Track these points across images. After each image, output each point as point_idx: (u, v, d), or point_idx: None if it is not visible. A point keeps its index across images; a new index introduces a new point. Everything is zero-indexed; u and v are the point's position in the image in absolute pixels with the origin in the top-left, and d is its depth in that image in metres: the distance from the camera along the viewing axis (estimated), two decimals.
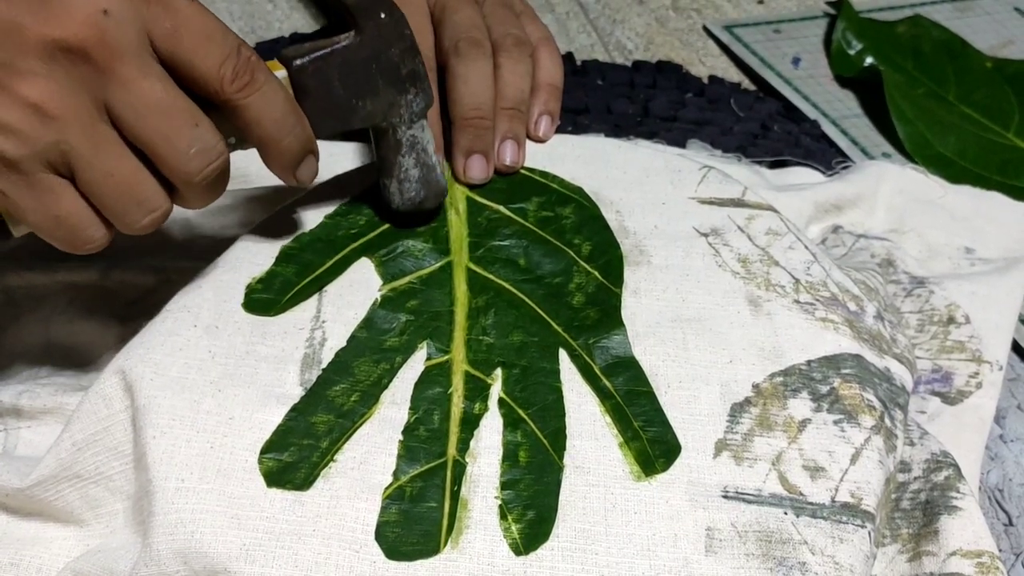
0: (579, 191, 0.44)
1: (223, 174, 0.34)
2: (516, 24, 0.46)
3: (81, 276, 0.43)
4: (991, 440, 0.44)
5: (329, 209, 0.42)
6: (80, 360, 0.41)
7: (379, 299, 0.39)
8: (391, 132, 0.39)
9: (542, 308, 0.39)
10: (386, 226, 0.41)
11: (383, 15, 0.36)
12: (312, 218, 0.41)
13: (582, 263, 0.41)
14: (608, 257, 0.41)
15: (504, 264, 0.40)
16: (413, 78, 0.38)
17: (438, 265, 0.40)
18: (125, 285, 0.43)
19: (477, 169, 0.43)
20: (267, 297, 0.38)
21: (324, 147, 0.49)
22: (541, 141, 0.45)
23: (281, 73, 0.36)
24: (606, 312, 0.39)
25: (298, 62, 0.36)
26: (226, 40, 0.33)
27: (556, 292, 0.40)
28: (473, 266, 0.40)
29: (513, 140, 0.44)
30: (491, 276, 0.40)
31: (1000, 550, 0.40)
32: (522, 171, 0.44)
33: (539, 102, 0.46)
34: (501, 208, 0.43)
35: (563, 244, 0.41)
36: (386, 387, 0.36)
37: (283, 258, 0.39)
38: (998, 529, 0.41)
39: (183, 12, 0.32)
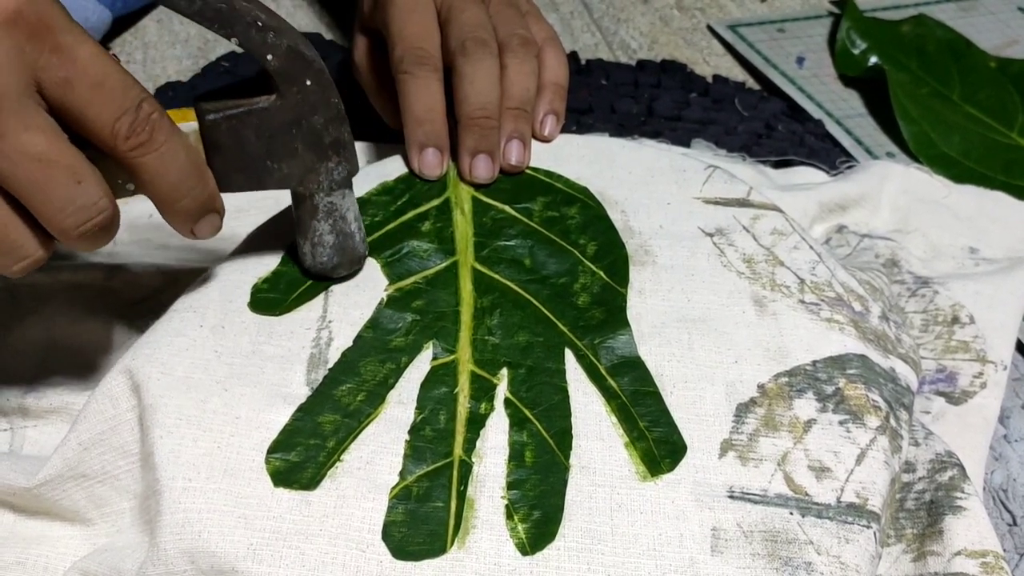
0: (584, 191, 0.44)
1: (108, 227, 0.33)
2: (522, 24, 0.46)
3: (86, 276, 0.43)
4: (995, 440, 0.44)
5: None
6: (85, 360, 0.42)
7: (385, 299, 0.39)
8: (309, 197, 0.37)
9: (547, 308, 0.39)
10: (391, 226, 0.41)
11: (308, 82, 0.35)
12: None
13: (587, 263, 0.41)
14: (613, 257, 0.41)
15: (509, 264, 0.41)
16: (337, 146, 0.36)
17: (443, 265, 0.40)
18: (130, 285, 0.43)
19: (483, 169, 0.43)
20: (273, 297, 0.38)
21: None
22: (546, 141, 0.46)
23: (193, 124, 0.35)
24: (611, 312, 0.39)
25: (211, 117, 0.34)
26: (125, 93, 0.31)
27: (561, 292, 0.40)
28: (479, 266, 0.40)
29: (519, 140, 0.44)
30: (496, 276, 0.40)
31: (1004, 550, 0.40)
32: (527, 171, 0.44)
33: (544, 102, 0.46)
34: (506, 208, 0.43)
35: (568, 244, 0.41)
36: (392, 387, 0.36)
37: (288, 258, 0.39)
38: (1002, 529, 0.41)
39: (80, 61, 0.30)
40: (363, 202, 0.42)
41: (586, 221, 0.42)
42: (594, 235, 0.42)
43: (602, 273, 0.41)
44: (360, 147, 0.50)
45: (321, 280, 0.39)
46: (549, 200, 0.43)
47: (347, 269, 0.39)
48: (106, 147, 0.31)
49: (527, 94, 0.45)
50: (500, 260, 0.41)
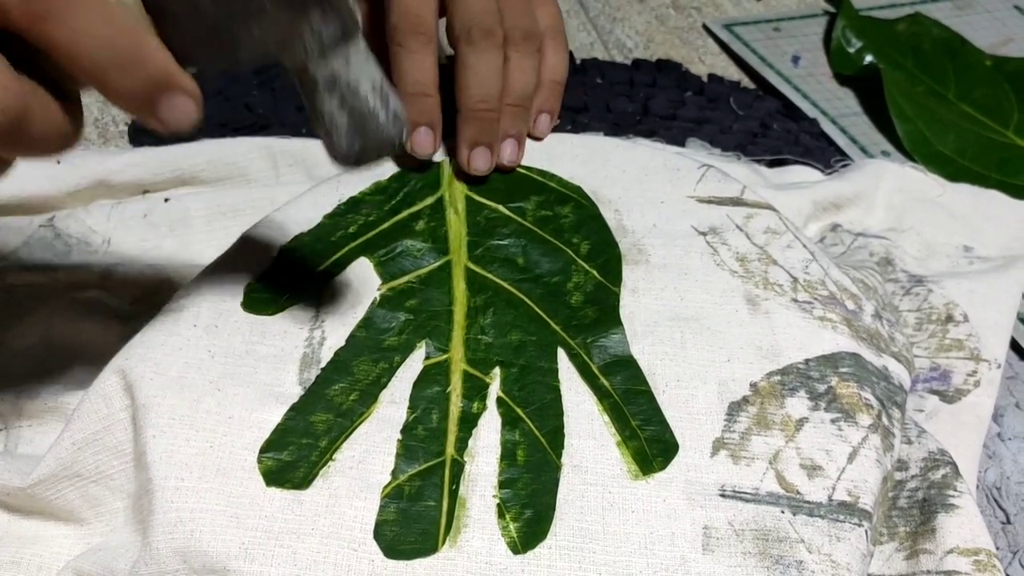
0: (578, 190, 0.44)
1: (22, 122, 0.27)
2: (528, 13, 0.45)
3: (82, 275, 0.43)
4: (989, 438, 0.44)
5: (328, 209, 0.42)
6: (81, 359, 0.42)
7: (378, 298, 0.39)
8: (302, 70, 0.31)
9: (540, 307, 0.39)
10: (385, 226, 0.41)
11: None
12: (311, 218, 0.41)
13: (580, 262, 0.41)
14: (606, 256, 0.41)
15: (503, 263, 0.41)
16: None
17: (437, 264, 0.40)
18: (126, 284, 0.43)
19: (481, 161, 0.43)
20: (266, 296, 0.38)
21: (320, 145, 0.49)
22: (539, 139, 0.46)
23: None
24: (604, 311, 0.39)
25: None
26: None
27: (554, 291, 0.40)
28: (472, 265, 0.40)
29: (514, 139, 0.44)
30: (490, 275, 0.40)
31: (997, 548, 0.40)
32: (521, 170, 0.44)
33: (540, 99, 0.46)
34: (500, 207, 0.43)
35: (562, 243, 0.41)
36: (385, 386, 0.36)
37: (282, 257, 0.40)
38: (996, 527, 0.41)
39: None
40: (356, 201, 0.42)
41: (579, 220, 0.42)
42: (587, 234, 0.42)
43: (595, 272, 0.41)
44: None
45: (353, 167, 0.34)
46: (542, 199, 0.43)
47: (376, 155, 0.33)
48: (5, 27, 0.26)
49: (527, 90, 0.44)
50: (493, 259, 0.41)
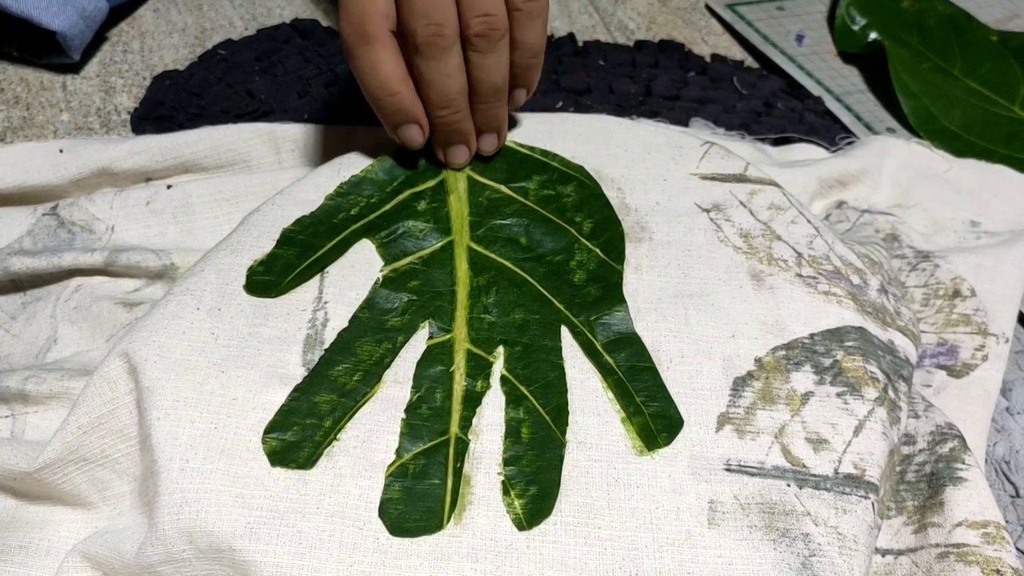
0: (580, 169, 0.43)
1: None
2: None
3: (86, 262, 0.43)
4: (997, 412, 0.44)
5: (330, 190, 0.42)
6: (86, 345, 0.42)
7: (381, 279, 0.39)
8: None
9: (543, 286, 0.39)
10: (387, 207, 0.41)
11: None
12: (313, 200, 0.41)
13: (583, 241, 0.41)
14: (609, 234, 0.41)
15: (505, 243, 0.40)
16: None
17: (439, 245, 0.40)
18: (130, 271, 0.43)
19: (459, 156, 0.42)
20: (268, 279, 0.38)
21: (323, 130, 0.49)
22: (515, 109, 0.44)
23: None
24: (607, 289, 0.39)
25: None
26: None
27: (557, 270, 0.40)
28: (474, 245, 0.40)
29: (492, 132, 0.43)
30: (492, 255, 0.40)
31: (1007, 521, 0.40)
32: (523, 150, 0.44)
33: (513, 78, 0.43)
34: (502, 187, 0.43)
35: (564, 222, 0.41)
36: (388, 366, 0.36)
37: (284, 240, 0.40)
38: (1005, 501, 0.41)
39: None
40: (358, 183, 0.42)
41: (582, 199, 0.42)
42: (590, 213, 0.42)
43: (598, 250, 0.40)
44: (359, 129, 0.50)
45: None
46: (545, 179, 0.43)
47: None
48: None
49: (495, 84, 0.41)
50: (496, 239, 0.41)
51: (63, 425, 0.35)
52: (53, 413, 0.39)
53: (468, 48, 0.40)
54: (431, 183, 0.42)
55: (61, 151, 0.47)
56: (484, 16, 0.39)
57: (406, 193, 0.42)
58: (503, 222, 0.41)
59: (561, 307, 0.39)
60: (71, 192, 0.47)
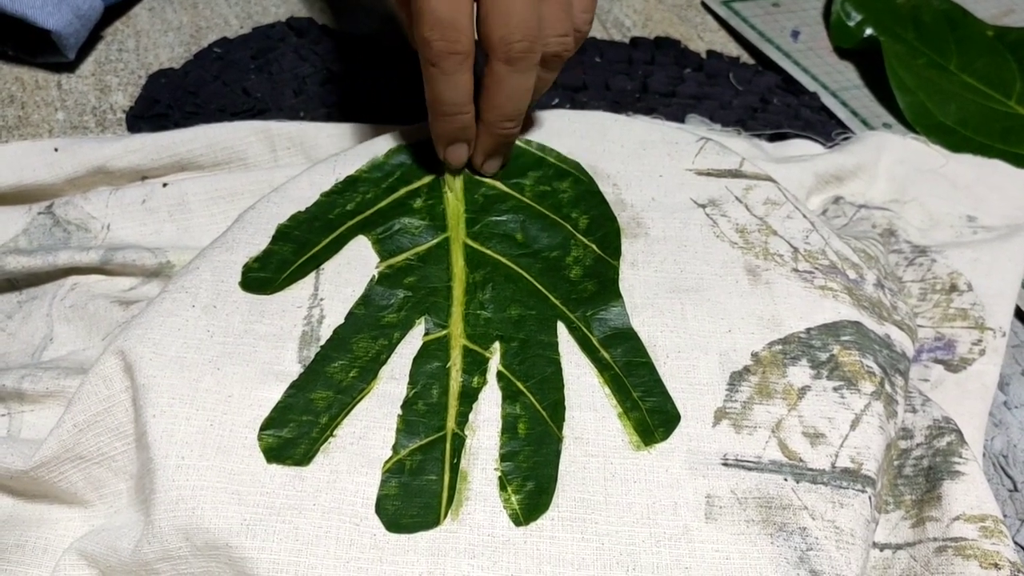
0: (576, 165, 0.43)
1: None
2: (567, 18, 0.40)
3: (82, 260, 0.43)
4: (995, 407, 0.44)
5: (325, 187, 0.42)
6: (81, 343, 0.42)
7: (376, 276, 0.39)
8: None
9: (540, 282, 0.39)
10: (383, 203, 0.41)
11: None
12: (308, 197, 0.41)
13: (579, 236, 0.41)
14: (605, 230, 0.41)
15: (501, 239, 0.40)
16: None
17: (435, 241, 0.40)
18: (126, 268, 0.43)
19: (494, 166, 0.43)
20: (264, 276, 0.38)
21: (319, 128, 0.49)
22: None
23: None
24: (604, 284, 0.39)
25: None
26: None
27: (554, 266, 0.40)
28: (470, 241, 0.40)
29: (498, 157, 0.43)
30: (488, 251, 0.40)
31: (1005, 515, 0.40)
32: (519, 144, 0.44)
33: None
34: (498, 184, 0.42)
35: (560, 218, 0.41)
36: (384, 362, 0.36)
37: (279, 237, 0.39)
38: (1003, 495, 0.41)
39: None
40: (353, 180, 0.42)
41: (578, 195, 0.42)
42: (586, 208, 0.42)
43: (594, 246, 0.40)
44: (354, 127, 0.50)
45: None
46: (540, 175, 0.43)
47: None
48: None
49: (532, 105, 0.43)
50: (492, 235, 0.41)
51: (59, 423, 0.35)
52: (49, 411, 0.39)
53: (543, 68, 0.41)
54: (427, 180, 0.42)
55: (56, 150, 0.47)
56: (563, 37, 0.40)
57: (402, 190, 0.42)
58: (499, 218, 0.41)
59: (557, 303, 0.39)
60: (66, 191, 0.47)
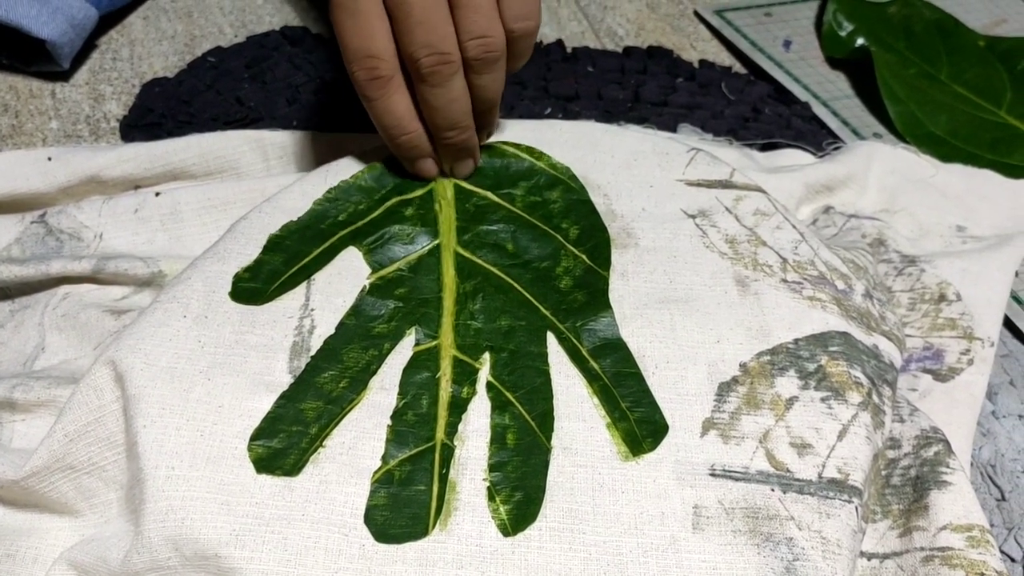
0: (566, 171, 0.44)
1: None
2: (487, 13, 0.39)
3: (74, 269, 0.43)
4: (983, 416, 0.44)
5: (318, 196, 0.42)
6: (73, 353, 0.42)
7: (367, 287, 0.39)
8: None
9: (530, 292, 0.39)
10: (375, 214, 0.41)
11: None
12: (300, 208, 0.41)
13: (569, 247, 0.41)
14: (595, 241, 0.41)
15: (492, 249, 0.41)
16: None
17: (426, 249, 0.40)
18: (118, 277, 0.43)
19: (465, 169, 0.43)
20: (254, 286, 0.38)
21: (312, 137, 0.50)
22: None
23: None
24: (593, 295, 0.39)
25: None
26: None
27: (544, 276, 0.40)
28: (461, 250, 0.40)
29: (465, 160, 0.43)
30: (479, 261, 0.40)
31: (993, 525, 0.40)
32: (509, 149, 0.44)
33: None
34: (489, 194, 0.43)
35: (550, 228, 0.42)
36: (375, 373, 0.36)
37: (271, 246, 0.40)
38: (991, 504, 0.41)
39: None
40: (347, 187, 0.42)
41: (568, 205, 0.43)
42: (576, 219, 0.42)
43: (584, 256, 0.41)
44: (348, 138, 0.50)
45: None
46: (531, 184, 0.43)
47: None
48: None
49: (491, 103, 0.42)
50: (483, 244, 0.41)
51: (50, 433, 0.35)
52: (40, 421, 0.39)
53: (467, 70, 0.40)
54: (419, 192, 0.43)
55: (50, 159, 0.47)
56: (481, 39, 0.39)
57: (394, 200, 0.42)
58: (490, 228, 0.41)
59: (547, 313, 0.39)
60: (59, 200, 0.47)
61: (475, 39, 0.39)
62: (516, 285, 0.40)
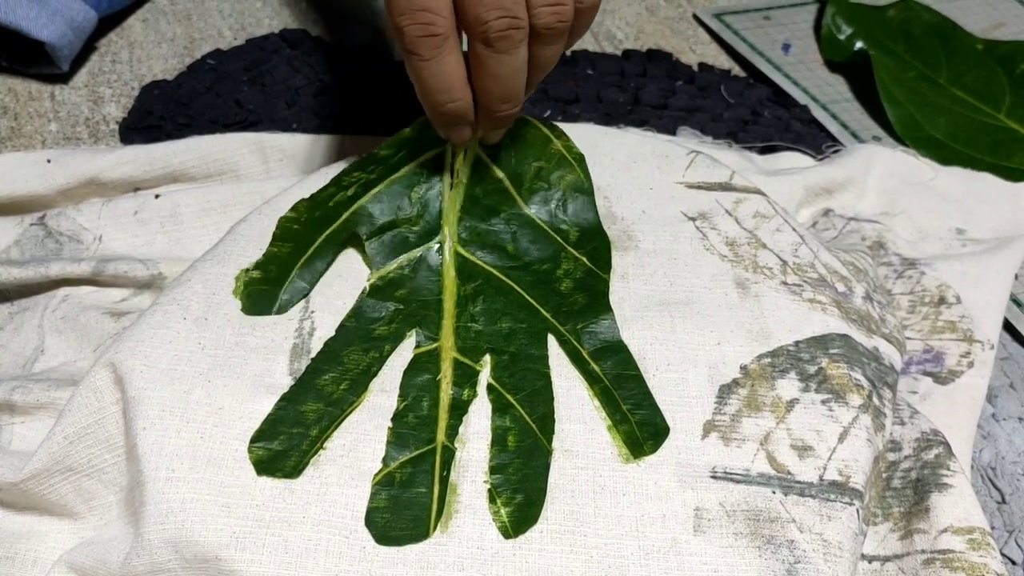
0: (580, 159, 0.42)
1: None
2: None
3: (74, 272, 0.43)
4: (983, 419, 0.44)
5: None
6: (73, 355, 0.42)
7: (368, 288, 0.39)
8: None
9: (530, 295, 0.39)
10: (381, 186, 0.41)
11: None
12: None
13: (570, 249, 0.41)
14: (596, 243, 0.41)
15: (492, 250, 0.41)
16: None
17: (429, 246, 0.40)
18: (117, 280, 0.43)
19: (497, 137, 0.41)
20: (256, 288, 0.38)
21: (311, 140, 0.50)
22: None
23: None
24: (594, 297, 0.39)
25: None
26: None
27: (544, 278, 0.40)
28: (462, 251, 0.40)
29: (502, 129, 0.41)
30: (479, 262, 0.40)
31: (993, 527, 0.40)
32: (533, 122, 0.42)
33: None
34: (502, 177, 0.42)
35: (551, 230, 0.41)
36: (375, 375, 0.36)
37: (280, 235, 0.40)
38: (991, 507, 0.41)
39: None
40: (363, 160, 0.41)
41: (570, 199, 0.42)
42: (576, 220, 0.42)
43: (585, 259, 0.41)
44: (348, 140, 0.50)
45: None
46: (540, 168, 0.42)
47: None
48: None
49: (538, 79, 0.39)
50: (483, 245, 0.41)
51: (49, 435, 0.35)
52: (40, 423, 0.39)
53: (535, 43, 0.37)
54: (430, 156, 0.41)
55: (49, 161, 0.47)
56: (555, 5, 0.36)
57: (407, 167, 0.41)
58: (491, 228, 0.41)
59: (548, 316, 0.39)
60: (59, 202, 0.47)
61: (549, 5, 0.36)
62: (517, 287, 0.40)
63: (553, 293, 0.39)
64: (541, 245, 0.41)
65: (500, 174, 0.42)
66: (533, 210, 0.42)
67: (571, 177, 0.42)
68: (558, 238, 0.41)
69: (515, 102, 0.38)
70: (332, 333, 0.37)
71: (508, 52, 0.36)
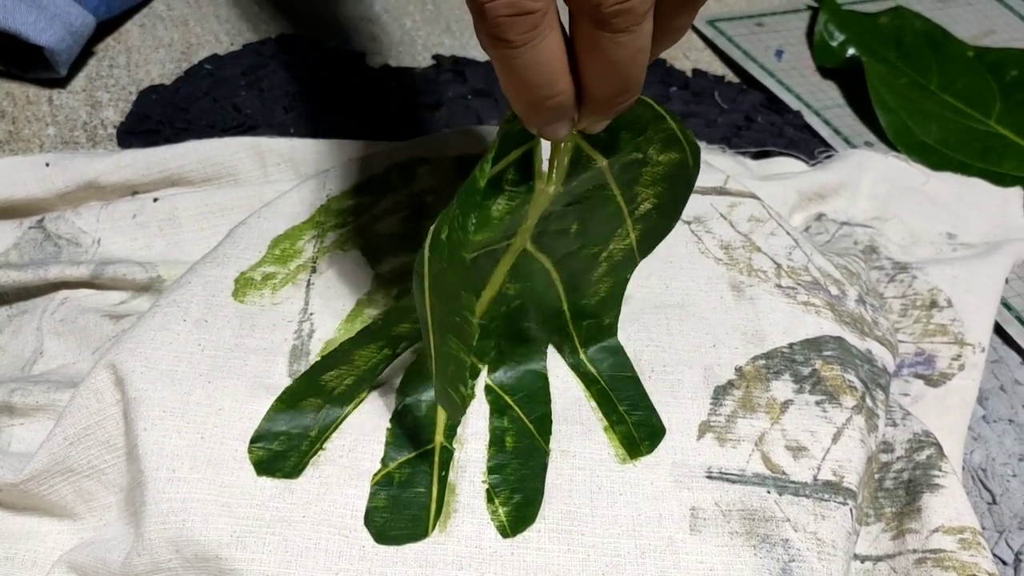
0: (696, 146, 0.35)
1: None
2: None
3: (72, 274, 0.43)
4: (974, 421, 0.45)
5: (315, 204, 0.42)
6: (72, 357, 0.42)
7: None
8: None
9: (565, 288, 0.36)
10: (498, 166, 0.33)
11: None
12: (299, 212, 0.42)
13: (628, 222, 0.36)
14: (654, 224, 0.36)
15: (555, 236, 0.35)
16: None
17: (499, 247, 0.35)
18: (116, 282, 0.44)
19: (602, 127, 0.32)
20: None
21: (309, 144, 0.50)
22: None
23: None
24: (614, 288, 0.39)
25: None
26: None
27: (588, 266, 0.37)
28: (530, 247, 0.35)
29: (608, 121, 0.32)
30: (538, 255, 0.36)
31: (984, 528, 0.40)
32: (642, 100, 0.33)
33: None
34: (601, 160, 0.34)
35: (625, 200, 0.35)
36: (380, 373, 0.37)
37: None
38: (982, 508, 0.42)
39: None
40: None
41: (662, 177, 0.34)
42: (659, 192, 0.35)
43: (634, 237, 0.36)
44: (345, 144, 0.51)
45: None
46: (643, 140, 0.34)
47: None
48: None
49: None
50: (547, 232, 0.35)
51: (49, 436, 0.36)
52: (39, 425, 0.39)
53: (661, 16, 0.29)
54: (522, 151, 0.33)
55: (47, 165, 0.47)
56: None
57: (517, 152, 0.33)
58: (565, 210, 0.35)
59: (568, 316, 0.37)
60: (57, 205, 0.47)
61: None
62: (557, 283, 0.36)
63: (585, 284, 0.37)
64: (603, 218, 0.35)
65: (603, 163, 0.34)
66: (620, 174, 0.35)
67: (677, 156, 0.34)
68: (625, 209, 0.35)
69: (634, 91, 0.30)
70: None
71: (629, 31, 0.27)
